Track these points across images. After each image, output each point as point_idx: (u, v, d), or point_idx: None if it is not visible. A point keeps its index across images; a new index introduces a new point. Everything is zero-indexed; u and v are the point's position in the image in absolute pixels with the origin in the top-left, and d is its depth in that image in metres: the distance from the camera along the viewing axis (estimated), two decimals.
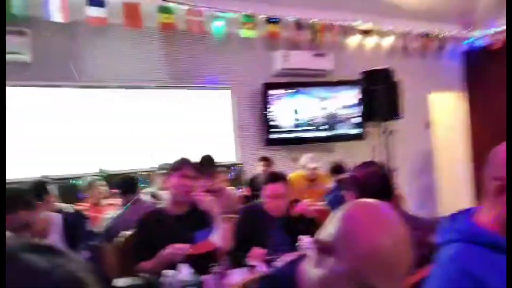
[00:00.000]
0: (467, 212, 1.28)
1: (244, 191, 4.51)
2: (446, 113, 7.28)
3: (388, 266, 0.82)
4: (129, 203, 3.31)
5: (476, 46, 6.90)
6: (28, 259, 0.47)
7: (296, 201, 2.71)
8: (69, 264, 0.49)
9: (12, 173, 4.36)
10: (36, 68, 4.50)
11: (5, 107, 3.06)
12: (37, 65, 4.50)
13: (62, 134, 4.68)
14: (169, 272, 1.90)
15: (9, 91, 4.48)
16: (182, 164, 2.35)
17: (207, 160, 3.48)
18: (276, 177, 2.64)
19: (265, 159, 4.94)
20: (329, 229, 0.89)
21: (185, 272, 1.99)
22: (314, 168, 4.71)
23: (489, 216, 1.18)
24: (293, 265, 0.97)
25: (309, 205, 2.58)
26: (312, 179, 4.79)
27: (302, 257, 0.98)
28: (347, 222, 0.87)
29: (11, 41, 4.19)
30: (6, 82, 4.43)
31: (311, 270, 0.90)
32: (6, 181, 4.22)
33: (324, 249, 0.87)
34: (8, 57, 4.27)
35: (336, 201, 4.02)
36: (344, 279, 0.82)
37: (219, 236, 2.09)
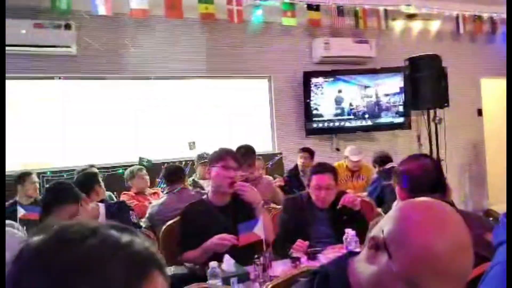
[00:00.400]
0: None
1: (279, 180, 4.47)
2: (498, 100, 6.89)
3: (443, 270, 0.77)
4: (173, 191, 3.37)
5: None
6: (110, 232, 0.52)
7: (342, 192, 2.66)
8: (144, 241, 0.54)
9: (61, 162, 4.59)
10: (81, 60, 4.65)
11: (5, 105, 3.14)
12: (82, 58, 4.65)
13: (107, 124, 4.83)
14: (214, 263, 1.92)
15: (57, 84, 4.69)
16: (225, 155, 2.34)
17: (246, 150, 3.48)
18: (325, 168, 2.58)
19: (306, 150, 4.87)
20: (383, 226, 0.85)
21: (229, 263, 2.01)
22: (358, 161, 4.62)
23: None
24: (343, 260, 0.94)
25: (356, 198, 2.51)
26: (355, 171, 4.71)
27: (351, 253, 0.95)
28: (402, 221, 0.83)
29: (58, 35, 4.35)
30: (53, 75, 4.64)
31: (362, 265, 0.87)
32: (58, 168, 4.50)
33: (378, 246, 0.83)
34: (56, 50, 4.44)
35: (377, 192, 3.93)
36: (395, 278, 0.78)
37: (262, 228, 2.08)
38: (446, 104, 5.67)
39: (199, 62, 5.15)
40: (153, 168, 4.58)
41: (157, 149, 4.94)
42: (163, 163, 4.68)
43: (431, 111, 5.74)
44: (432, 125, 5.74)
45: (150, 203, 3.71)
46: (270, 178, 4.13)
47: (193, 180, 4.34)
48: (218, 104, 5.30)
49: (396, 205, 0.90)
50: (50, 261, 0.48)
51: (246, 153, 3.38)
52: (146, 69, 4.95)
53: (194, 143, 5.08)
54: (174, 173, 3.51)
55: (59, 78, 4.66)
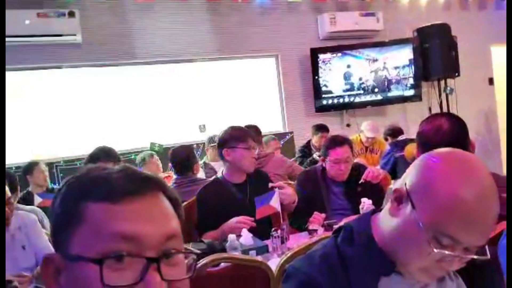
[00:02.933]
0: None
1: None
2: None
3: (469, 218, 0.75)
4: (183, 179, 3.32)
5: None
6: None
7: (357, 165, 2.65)
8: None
9: (73, 151, 4.63)
10: (86, 48, 4.65)
11: (5, 105, 3.14)
12: (87, 46, 4.64)
13: (117, 110, 4.85)
14: (232, 236, 1.94)
15: (63, 72, 4.70)
16: (246, 136, 2.33)
17: (254, 129, 3.49)
18: (341, 141, 2.57)
19: (323, 127, 4.81)
20: (406, 178, 0.84)
21: (247, 236, 2.02)
22: (373, 138, 4.59)
23: None
24: (367, 216, 0.93)
25: (379, 172, 2.49)
26: (369, 146, 4.71)
27: (375, 210, 0.95)
28: (425, 171, 0.81)
29: (61, 23, 4.34)
30: (60, 64, 4.65)
31: (386, 219, 0.86)
32: (70, 158, 4.54)
33: (401, 198, 0.83)
34: (59, 39, 4.44)
35: (390, 164, 3.91)
36: (420, 229, 0.77)
37: (278, 200, 2.09)
38: (456, 74, 5.58)
39: (206, 44, 5.11)
40: (165, 153, 4.59)
41: (168, 133, 4.95)
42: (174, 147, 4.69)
43: (442, 82, 5.67)
44: (443, 96, 5.66)
45: None
46: (283, 157, 4.14)
47: (204, 162, 4.35)
48: (227, 86, 5.28)
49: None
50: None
51: (254, 133, 3.39)
52: (152, 53, 4.93)
53: (204, 126, 5.09)
54: (184, 162, 3.23)
55: (66, 67, 4.67)
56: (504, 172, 6.21)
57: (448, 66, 5.45)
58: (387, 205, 0.88)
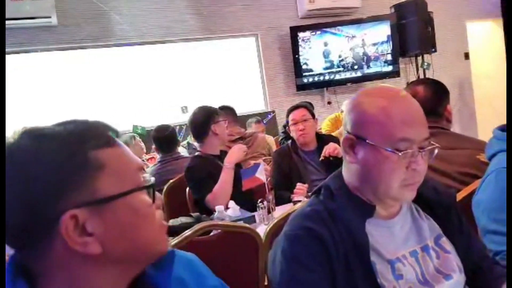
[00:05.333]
0: None
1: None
2: (484, 42, 6.91)
3: (404, 116, 0.89)
4: (167, 157, 3.34)
5: None
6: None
7: (329, 137, 2.76)
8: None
9: None
10: (62, 30, 4.55)
11: (5, 99, 3.10)
12: (62, 28, 4.54)
13: (97, 93, 4.80)
14: (220, 207, 1.98)
15: (38, 56, 4.60)
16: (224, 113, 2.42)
17: (228, 109, 3.53)
18: (298, 105, 2.77)
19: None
20: (346, 127, 0.96)
21: (234, 208, 2.07)
22: None
23: None
24: (339, 173, 1.02)
25: (337, 147, 2.56)
26: None
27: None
28: (355, 108, 0.95)
29: (35, 6, 4.23)
30: (35, 48, 4.55)
31: (350, 170, 0.97)
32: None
33: (352, 143, 0.94)
34: (34, 22, 4.33)
35: None
36: (381, 149, 0.88)
37: (263, 172, 2.15)
38: (433, 50, 5.69)
39: (185, 25, 5.07)
40: (147, 135, 4.58)
41: (151, 116, 4.93)
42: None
43: (419, 58, 5.77)
44: (421, 71, 5.77)
45: (147, 167, 3.74)
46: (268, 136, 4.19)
47: (188, 142, 4.37)
48: (208, 67, 5.26)
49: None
50: None
51: (229, 112, 3.44)
52: (131, 35, 4.87)
53: (186, 107, 5.08)
54: (166, 142, 3.27)
55: (41, 50, 4.57)
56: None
57: (424, 42, 5.54)
58: (344, 162, 0.99)
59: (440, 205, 1.01)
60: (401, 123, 0.88)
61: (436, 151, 0.91)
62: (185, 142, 4.32)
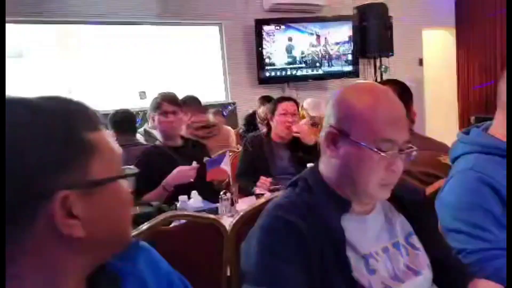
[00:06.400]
0: (479, 127, 1.32)
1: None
2: (437, 50, 7.26)
3: (388, 117, 0.89)
4: (126, 142, 3.23)
5: None
6: None
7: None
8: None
9: None
10: (13, 2, 4.26)
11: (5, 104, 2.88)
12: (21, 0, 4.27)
13: (45, 71, 4.54)
14: (183, 197, 1.94)
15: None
16: (161, 102, 2.33)
17: (192, 99, 3.46)
18: (289, 98, 2.78)
19: (268, 99, 4.85)
20: (329, 120, 0.95)
21: (196, 199, 2.03)
22: (314, 117, 4.70)
23: (503, 129, 1.21)
24: (315, 168, 1.01)
25: (302, 127, 2.62)
26: (313, 123, 4.82)
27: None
28: (341, 102, 0.94)
29: None
30: None
31: (330, 165, 0.96)
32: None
33: (335, 137, 0.93)
34: None
35: None
36: (364, 147, 0.88)
37: (229, 163, 2.12)
38: (391, 53, 5.89)
39: (148, 7, 4.92)
40: (102, 119, 4.40)
41: (106, 99, 4.74)
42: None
43: (377, 60, 5.95)
44: (378, 73, 5.96)
45: None
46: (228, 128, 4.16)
47: (145, 130, 4.25)
48: (170, 53, 5.14)
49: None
50: None
51: (192, 102, 3.39)
52: (90, 13, 4.63)
53: (144, 92, 4.93)
54: (124, 122, 3.13)
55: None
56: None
57: (384, 45, 5.73)
58: (323, 156, 0.98)
59: (411, 203, 1.04)
60: (386, 124, 0.89)
61: (414, 154, 0.92)
62: (142, 129, 4.19)
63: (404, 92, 1.75)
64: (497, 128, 1.25)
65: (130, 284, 0.68)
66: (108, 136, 0.64)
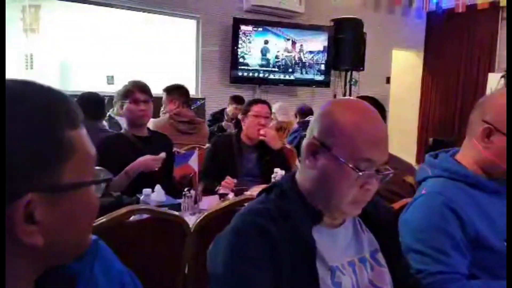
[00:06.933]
0: (447, 152, 1.37)
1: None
2: (403, 71, 7.52)
3: (371, 137, 0.90)
4: (92, 127, 3.11)
5: (441, 7, 7.04)
6: None
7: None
8: None
9: None
10: None
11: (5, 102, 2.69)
12: None
13: (14, 51, 4.31)
14: (147, 190, 1.89)
15: None
16: (133, 89, 2.26)
17: (182, 88, 3.39)
18: (263, 101, 2.76)
19: (239, 100, 4.83)
20: (313, 132, 0.95)
21: (160, 193, 1.99)
22: (282, 122, 4.74)
23: (471, 157, 1.26)
24: (292, 176, 1.02)
25: (268, 131, 2.63)
26: (280, 127, 4.85)
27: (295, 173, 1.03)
28: (326, 116, 0.94)
29: None
30: None
31: (307, 175, 0.96)
32: None
33: (315, 149, 0.93)
34: None
35: (296, 141, 4.13)
36: (342, 163, 0.89)
37: (197, 160, 2.09)
38: (361, 68, 6.04)
39: None
40: None
41: (72, 81, 4.56)
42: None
43: (348, 73, 6.09)
44: (348, 86, 6.10)
45: None
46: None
47: (109, 115, 4.12)
48: (143, 40, 5.00)
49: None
50: None
51: (178, 93, 3.32)
52: None
53: (112, 77, 4.77)
54: (92, 106, 3.00)
55: None
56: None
57: (356, 59, 5.87)
58: (301, 165, 0.98)
59: (380, 221, 1.06)
60: (368, 144, 0.89)
61: (390, 176, 0.94)
62: (107, 114, 4.05)
63: (380, 110, 1.79)
64: (465, 156, 1.29)
65: (83, 286, 0.64)
66: (86, 135, 0.58)
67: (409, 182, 1.59)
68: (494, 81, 5.59)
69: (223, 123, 4.51)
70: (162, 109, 3.44)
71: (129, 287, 0.72)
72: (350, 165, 0.88)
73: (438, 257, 1.13)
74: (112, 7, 4.79)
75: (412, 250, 1.19)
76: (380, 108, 1.80)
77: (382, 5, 6.74)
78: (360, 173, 0.88)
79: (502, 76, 5.12)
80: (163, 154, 2.12)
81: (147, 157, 2.11)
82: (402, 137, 7.26)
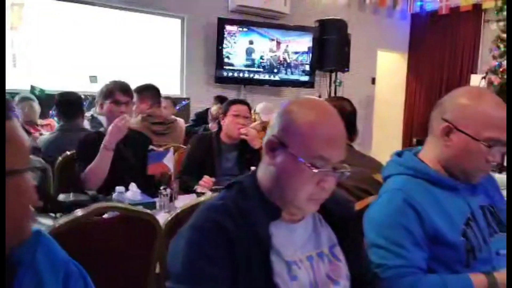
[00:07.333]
0: (411, 150, 1.40)
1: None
2: (388, 72, 7.60)
3: (327, 136, 0.92)
4: (69, 126, 3.08)
5: (425, 9, 7.13)
6: None
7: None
8: None
9: None
10: None
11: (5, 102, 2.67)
12: None
13: None
14: (120, 188, 1.89)
15: None
16: (114, 90, 2.26)
17: (153, 89, 3.37)
18: (243, 101, 2.77)
19: (222, 99, 4.83)
20: (273, 130, 0.98)
21: (134, 191, 1.99)
22: (265, 122, 4.74)
23: (433, 155, 1.30)
24: (253, 173, 1.04)
25: (252, 130, 2.65)
26: (263, 127, 4.87)
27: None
28: (285, 115, 0.97)
29: None
30: None
31: (266, 171, 0.99)
32: None
33: (274, 146, 0.96)
34: None
35: None
36: (298, 161, 0.91)
37: (172, 159, 2.10)
38: (346, 69, 6.09)
39: None
40: (46, 98, 4.20)
41: (54, 80, 4.52)
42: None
43: (333, 74, 6.13)
44: (333, 86, 6.14)
45: (41, 134, 3.43)
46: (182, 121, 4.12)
47: (92, 115, 4.10)
48: (128, 39, 4.99)
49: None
50: None
51: (151, 93, 3.31)
52: None
53: (96, 77, 4.74)
54: (70, 104, 2.98)
55: None
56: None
57: (341, 60, 5.91)
58: (262, 162, 1.01)
59: (340, 216, 1.08)
60: (323, 142, 0.92)
61: (347, 174, 0.96)
62: (89, 115, 4.03)
63: (355, 110, 1.85)
64: (427, 154, 1.33)
65: (25, 274, 0.66)
66: (19, 126, 0.61)
67: (378, 179, 1.62)
68: (476, 82, 5.67)
69: (209, 125, 4.51)
70: (134, 109, 3.42)
71: (75, 275, 0.73)
72: (306, 163, 0.90)
73: (398, 251, 1.16)
74: (96, 5, 4.77)
75: (375, 245, 1.22)
76: (352, 109, 1.84)
77: (367, 6, 6.81)
78: (316, 171, 0.91)
79: (483, 77, 5.19)
80: (127, 116, 2.16)
81: (114, 123, 2.12)
82: (387, 137, 7.34)
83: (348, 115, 1.82)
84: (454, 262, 1.17)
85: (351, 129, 1.84)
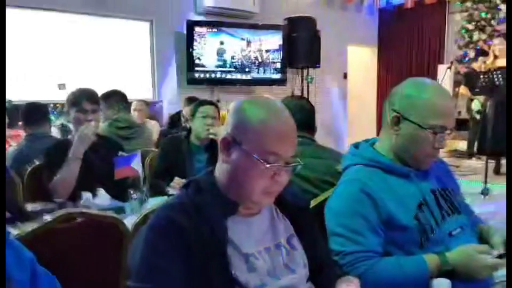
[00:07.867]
0: (368, 141, 1.45)
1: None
2: (360, 66, 7.73)
3: (279, 132, 0.96)
4: (36, 134, 3.03)
5: (391, 3, 7.29)
6: None
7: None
8: None
9: None
10: None
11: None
12: None
13: None
14: (87, 194, 1.89)
15: None
16: (80, 99, 2.26)
17: (118, 95, 3.36)
18: (210, 101, 2.79)
19: (193, 100, 4.83)
20: (227, 128, 1.01)
21: (103, 196, 1.99)
22: None
23: (386, 144, 1.36)
24: (211, 171, 1.07)
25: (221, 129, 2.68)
26: None
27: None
28: (237, 113, 1.01)
29: None
30: None
31: (222, 168, 1.02)
32: None
33: (228, 144, 0.99)
34: None
35: None
36: (251, 157, 0.95)
37: (140, 163, 2.10)
38: (317, 65, 6.17)
39: None
40: (13, 109, 4.11)
41: (20, 88, 4.43)
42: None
43: (305, 71, 6.21)
44: (305, 83, 6.21)
45: (10, 145, 3.37)
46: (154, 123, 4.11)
47: (62, 124, 4.06)
48: (96, 45, 4.93)
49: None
50: None
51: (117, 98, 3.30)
52: None
53: (64, 84, 4.67)
54: (34, 113, 2.93)
55: None
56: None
57: (311, 57, 5.99)
58: (218, 159, 1.04)
59: (296, 208, 1.12)
60: (274, 139, 0.96)
61: (299, 167, 1.00)
62: (59, 123, 3.99)
63: (312, 109, 1.91)
64: (381, 144, 1.38)
65: None
66: None
67: (340, 171, 1.66)
68: (443, 72, 5.84)
69: (187, 124, 4.51)
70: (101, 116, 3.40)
71: (42, 276, 0.75)
72: (259, 159, 0.94)
73: (355, 238, 1.21)
74: (62, 12, 4.70)
75: (334, 234, 1.26)
76: (311, 107, 1.91)
77: (335, 3, 6.91)
78: (268, 165, 0.94)
79: (448, 67, 5.35)
80: (92, 122, 2.17)
81: (78, 132, 2.14)
82: (362, 131, 7.46)
83: (307, 113, 1.88)
84: (409, 244, 1.23)
85: (311, 126, 1.89)
